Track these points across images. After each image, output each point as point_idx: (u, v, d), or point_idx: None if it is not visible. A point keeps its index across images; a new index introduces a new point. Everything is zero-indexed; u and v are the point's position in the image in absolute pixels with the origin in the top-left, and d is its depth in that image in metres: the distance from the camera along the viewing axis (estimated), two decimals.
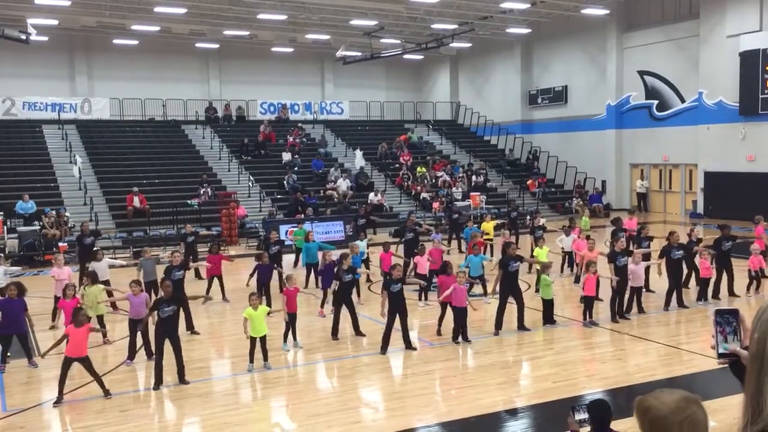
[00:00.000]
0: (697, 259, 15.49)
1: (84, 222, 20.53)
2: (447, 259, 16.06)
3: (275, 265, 16.36)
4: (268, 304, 14.70)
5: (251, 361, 11.07)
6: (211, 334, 13.85)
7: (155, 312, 10.55)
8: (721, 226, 16.05)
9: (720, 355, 2.39)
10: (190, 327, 13.52)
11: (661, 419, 2.14)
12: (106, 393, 9.94)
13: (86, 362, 9.89)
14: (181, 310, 13.38)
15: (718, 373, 10.18)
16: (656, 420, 2.15)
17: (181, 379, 10.50)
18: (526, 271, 18.20)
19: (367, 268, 17.72)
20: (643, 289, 14.79)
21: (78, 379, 10.15)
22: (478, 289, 15.91)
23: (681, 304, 14.64)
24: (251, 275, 15.31)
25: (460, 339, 12.39)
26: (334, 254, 15.54)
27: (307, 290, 16.70)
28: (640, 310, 14.19)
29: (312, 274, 17.60)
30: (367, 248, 18.07)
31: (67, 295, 12.05)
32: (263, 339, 11.10)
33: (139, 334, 11.66)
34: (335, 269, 13.76)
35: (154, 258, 15.80)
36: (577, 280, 16.93)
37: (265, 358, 11.16)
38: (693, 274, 15.72)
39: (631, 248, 15.36)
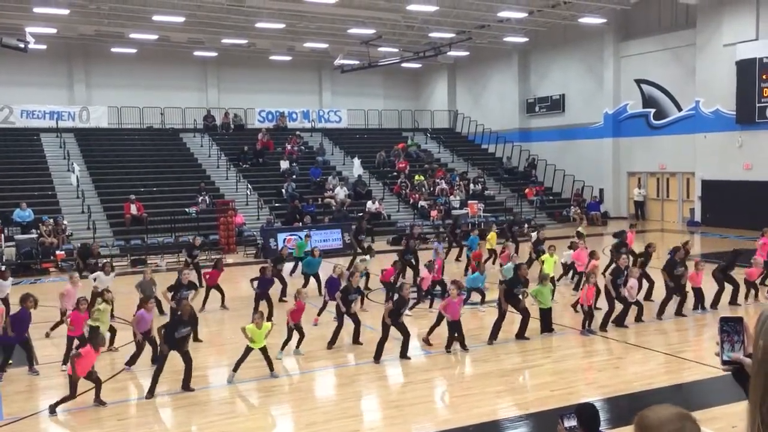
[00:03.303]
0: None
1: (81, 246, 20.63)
2: (447, 268, 16.20)
3: (276, 279, 16.34)
4: (270, 313, 14.72)
5: (234, 369, 10.99)
6: (210, 342, 13.82)
7: (164, 331, 10.56)
8: (735, 251, 16.10)
9: (724, 362, 2.43)
10: (195, 337, 13.53)
11: (653, 428, 2.21)
12: (101, 402, 9.93)
13: (93, 378, 9.92)
14: None
15: (717, 381, 10.22)
16: (647, 429, 2.23)
17: (186, 386, 10.50)
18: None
19: (367, 281, 17.84)
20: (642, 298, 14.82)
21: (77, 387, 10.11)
22: (476, 297, 15.89)
23: (679, 312, 14.67)
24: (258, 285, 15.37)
25: (452, 349, 12.39)
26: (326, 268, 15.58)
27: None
28: (638, 318, 14.19)
29: (309, 283, 17.57)
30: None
31: (80, 309, 12.01)
32: (263, 350, 11.06)
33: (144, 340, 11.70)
34: (341, 286, 13.76)
35: (151, 280, 15.46)
36: (576, 288, 16.94)
37: (271, 368, 11.13)
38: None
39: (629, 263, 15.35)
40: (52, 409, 9.70)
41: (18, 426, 9.39)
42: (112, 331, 12.99)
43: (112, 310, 15.06)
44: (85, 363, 9.77)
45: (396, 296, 12.85)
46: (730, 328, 2.43)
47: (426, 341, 12.87)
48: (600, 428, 5.95)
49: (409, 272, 18.63)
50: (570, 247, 18.56)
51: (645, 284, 15.92)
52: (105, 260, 17.05)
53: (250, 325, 11.04)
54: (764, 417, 2.06)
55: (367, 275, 17.99)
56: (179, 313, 10.93)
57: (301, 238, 22.58)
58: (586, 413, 5.76)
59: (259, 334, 10.97)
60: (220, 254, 23.66)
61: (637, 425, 2.27)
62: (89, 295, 14.27)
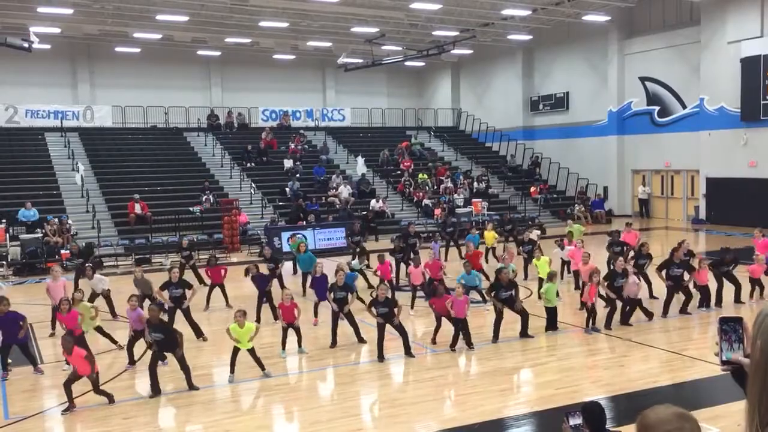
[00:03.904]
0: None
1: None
2: (443, 272, 16.18)
3: (270, 281, 15.92)
4: (273, 313, 14.68)
5: (231, 371, 11.00)
6: (214, 341, 13.82)
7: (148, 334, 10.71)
8: (724, 249, 15.97)
9: (723, 362, 2.42)
10: (199, 334, 13.56)
11: (654, 428, 2.23)
12: (110, 399, 9.98)
13: (92, 379, 9.92)
14: (185, 319, 13.51)
15: (721, 379, 10.17)
16: (647, 428, 2.26)
17: (190, 385, 10.52)
18: (522, 278, 18.07)
19: (366, 279, 17.92)
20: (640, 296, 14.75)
21: (79, 386, 10.12)
22: (475, 296, 15.81)
23: (683, 310, 14.63)
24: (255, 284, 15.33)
25: (456, 347, 12.37)
26: (326, 267, 15.47)
27: (303, 298, 16.74)
28: (646, 313, 14.14)
29: (308, 282, 17.49)
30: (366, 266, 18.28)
31: (62, 309, 12.02)
32: (252, 351, 11.01)
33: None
34: (328, 284, 13.75)
35: (143, 278, 15.34)
36: (576, 286, 16.89)
37: (262, 368, 11.09)
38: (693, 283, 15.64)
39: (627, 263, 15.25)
40: (68, 408, 9.74)
41: (23, 425, 9.41)
42: (100, 331, 12.89)
43: (112, 310, 15.18)
44: (75, 365, 9.86)
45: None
46: (729, 328, 2.41)
47: (433, 342, 12.87)
48: (606, 426, 5.92)
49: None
50: (559, 246, 18.47)
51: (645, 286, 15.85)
52: (87, 265, 16.83)
53: (233, 325, 11.03)
54: (762, 417, 2.05)
55: (366, 277, 18.01)
56: (148, 318, 10.92)
57: (303, 237, 22.64)
58: (591, 411, 5.73)
59: (242, 334, 10.93)
60: (213, 252, 23.37)
61: (638, 425, 2.30)
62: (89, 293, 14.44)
